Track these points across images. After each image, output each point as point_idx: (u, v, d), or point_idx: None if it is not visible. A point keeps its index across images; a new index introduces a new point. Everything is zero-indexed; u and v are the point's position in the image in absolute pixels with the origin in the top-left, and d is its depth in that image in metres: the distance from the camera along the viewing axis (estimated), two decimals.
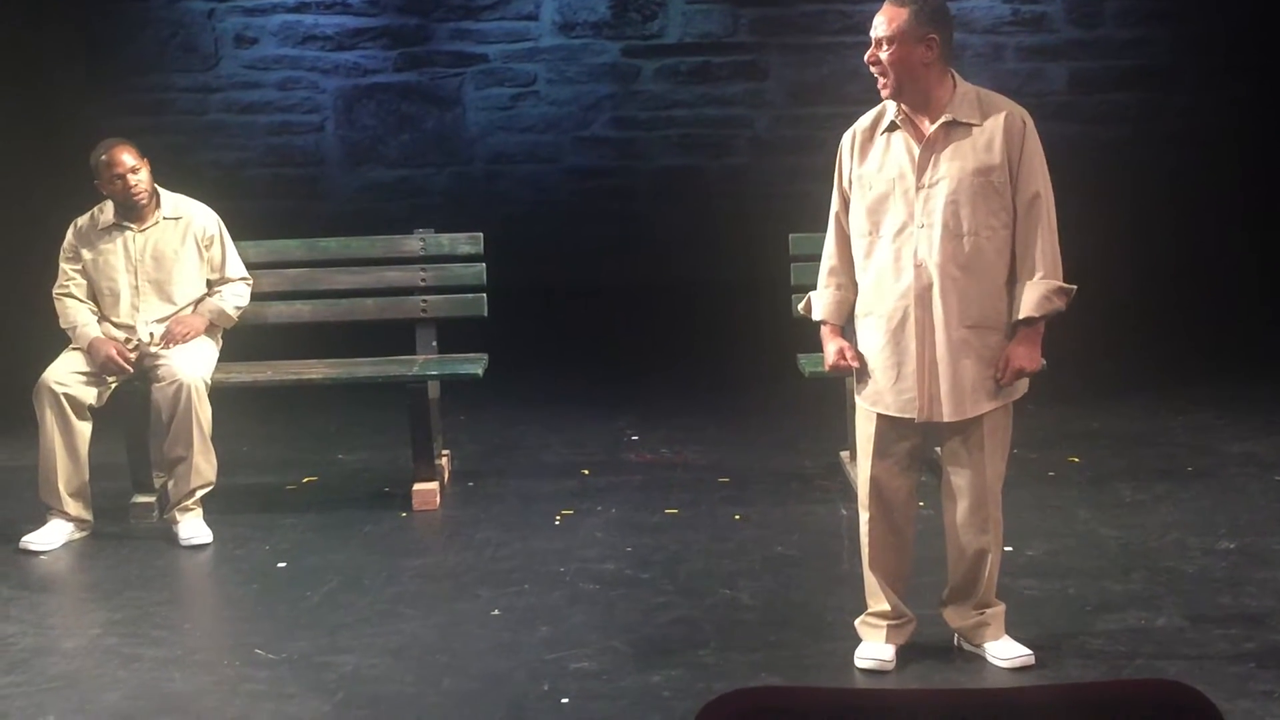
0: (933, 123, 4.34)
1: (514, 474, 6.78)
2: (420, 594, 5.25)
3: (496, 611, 5.05)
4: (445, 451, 6.71)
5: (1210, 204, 9.78)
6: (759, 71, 10.22)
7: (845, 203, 4.50)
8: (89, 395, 5.92)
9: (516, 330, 7.71)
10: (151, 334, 6.05)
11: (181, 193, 6.27)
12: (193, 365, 5.96)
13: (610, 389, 8.29)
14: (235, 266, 6.29)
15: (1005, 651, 4.48)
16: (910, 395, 4.36)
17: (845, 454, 6.36)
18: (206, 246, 6.20)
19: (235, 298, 6.26)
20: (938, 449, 4.85)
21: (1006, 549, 4.85)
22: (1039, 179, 4.34)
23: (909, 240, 4.34)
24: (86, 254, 6.12)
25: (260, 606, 5.20)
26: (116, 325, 6.08)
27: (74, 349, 6.02)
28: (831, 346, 4.51)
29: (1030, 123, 4.37)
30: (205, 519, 5.92)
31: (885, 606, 4.51)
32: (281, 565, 5.60)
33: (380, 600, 5.19)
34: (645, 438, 7.32)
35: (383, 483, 6.60)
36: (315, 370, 6.41)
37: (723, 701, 2.10)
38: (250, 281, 6.34)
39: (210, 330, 6.18)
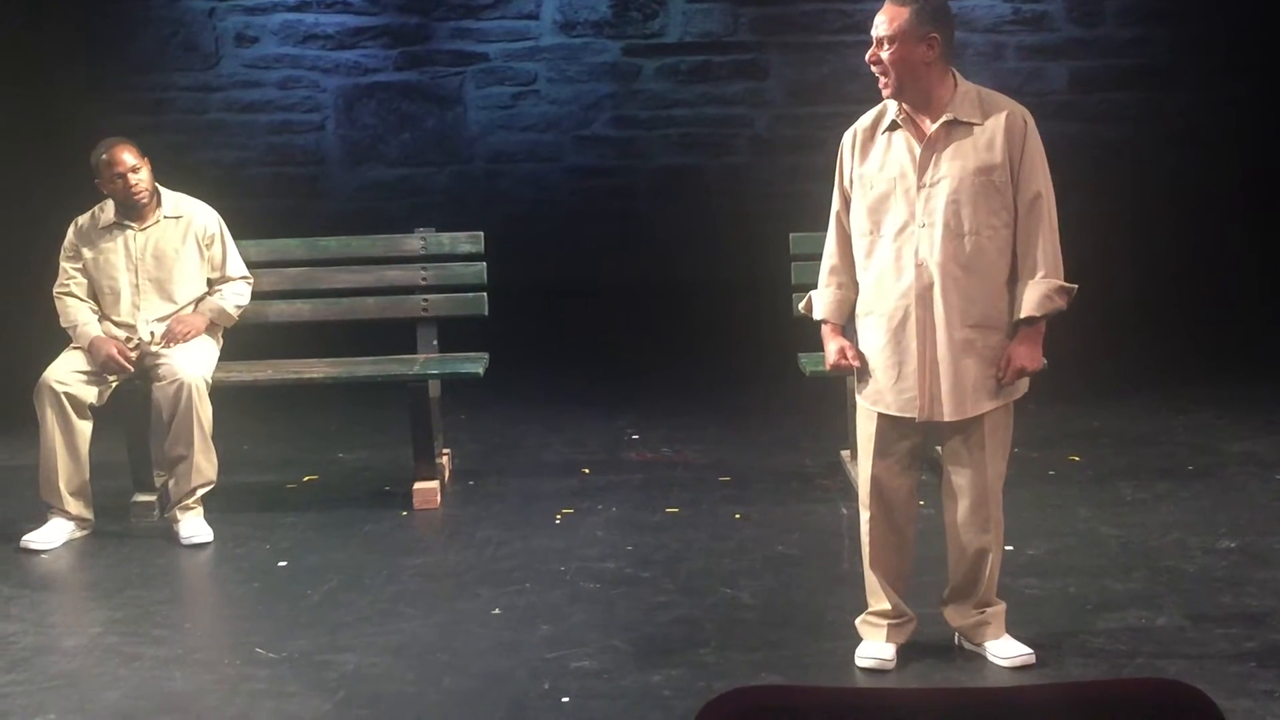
0: (934, 122, 4.33)
1: (514, 473, 6.78)
2: (421, 593, 5.25)
3: (497, 610, 5.05)
4: (446, 450, 6.71)
5: (1210, 204, 9.77)
6: (759, 71, 10.22)
7: (846, 202, 4.50)
8: (90, 394, 5.92)
9: (517, 329, 7.71)
10: (152, 333, 6.05)
11: (182, 192, 6.27)
12: (193, 364, 5.96)
13: (611, 388, 8.29)
14: (236, 265, 6.29)
15: (1006, 650, 4.48)
16: (911, 394, 4.36)
17: (846, 453, 6.36)
18: (207, 245, 6.20)
19: (236, 297, 6.26)
20: (938, 448, 4.85)
21: (1007, 548, 4.85)
22: (1040, 178, 4.34)
23: (910, 239, 4.34)
24: (87, 253, 6.12)
25: (261, 605, 5.20)
26: (117, 324, 6.07)
27: (75, 348, 6.02)
28: (832, 346, 4.51)
29: (1031, 122, 4.36)
30: (206, 518, 5.93)
31: (886, 605, 4.51)
32: (282, 564, 5.60)
33: (381, 599, 5.19)
34: (646, 437, 7.32)
35: (383, 482, 6.60)
36: (316, 369, 6.41)
37: (723, 700, 2.10)
38: (251, 280, 6.34)
39: (211, 329, 6.18)
